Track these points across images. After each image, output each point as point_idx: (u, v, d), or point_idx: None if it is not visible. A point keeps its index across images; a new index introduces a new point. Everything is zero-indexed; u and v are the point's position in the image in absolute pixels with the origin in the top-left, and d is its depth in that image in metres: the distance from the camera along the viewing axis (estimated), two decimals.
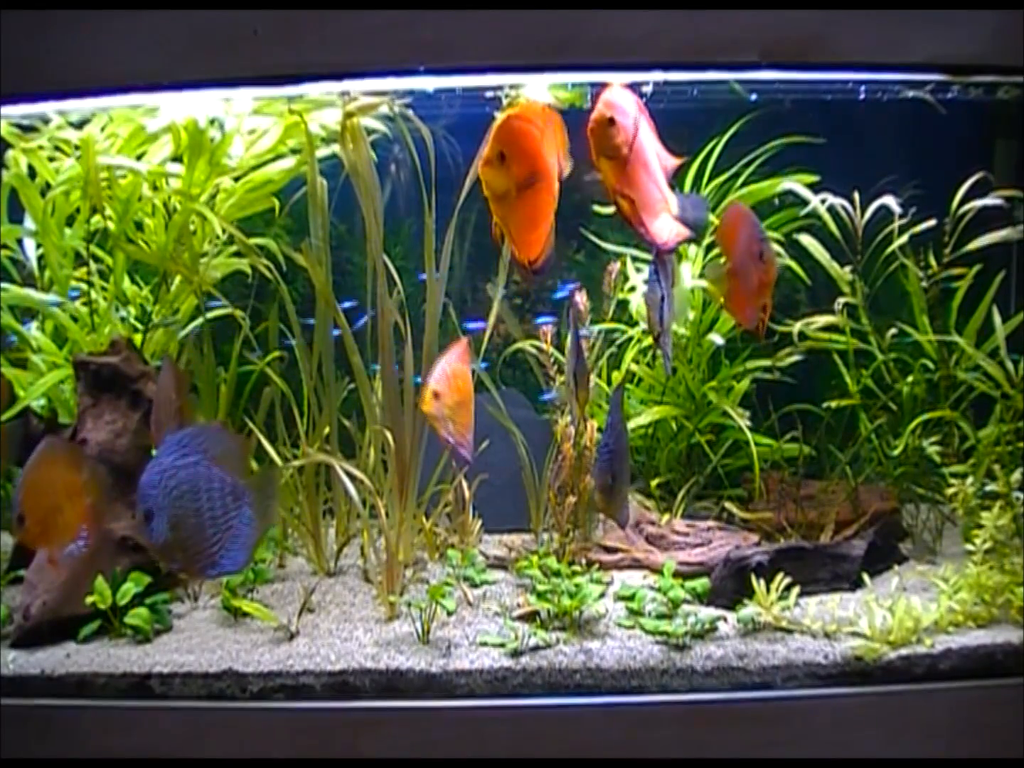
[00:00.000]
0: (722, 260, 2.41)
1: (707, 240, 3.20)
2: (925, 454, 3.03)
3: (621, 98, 2.15)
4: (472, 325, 3.16)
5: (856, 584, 2.59)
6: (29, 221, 3.15)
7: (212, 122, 2.95)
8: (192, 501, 1.97)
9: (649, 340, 3.16)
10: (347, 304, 3.04)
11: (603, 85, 2.17)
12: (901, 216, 3.06)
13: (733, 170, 3.24)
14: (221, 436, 2.07)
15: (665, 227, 2.24)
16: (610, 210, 3.33)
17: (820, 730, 2.18)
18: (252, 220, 3.31)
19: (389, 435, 2.85)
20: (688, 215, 2.26)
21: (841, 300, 3.12)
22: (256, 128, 3.08)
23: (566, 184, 2.20)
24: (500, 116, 2.13)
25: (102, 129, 2.97)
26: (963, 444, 3.05)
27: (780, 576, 2.41)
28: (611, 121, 2.11)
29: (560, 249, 2.24)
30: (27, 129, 2.97)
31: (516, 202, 2.10)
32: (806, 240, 3.19)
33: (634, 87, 2.21)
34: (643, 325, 2.94)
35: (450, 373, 2.31)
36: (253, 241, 3.14)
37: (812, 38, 2.14)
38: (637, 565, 2.90)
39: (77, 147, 2.96)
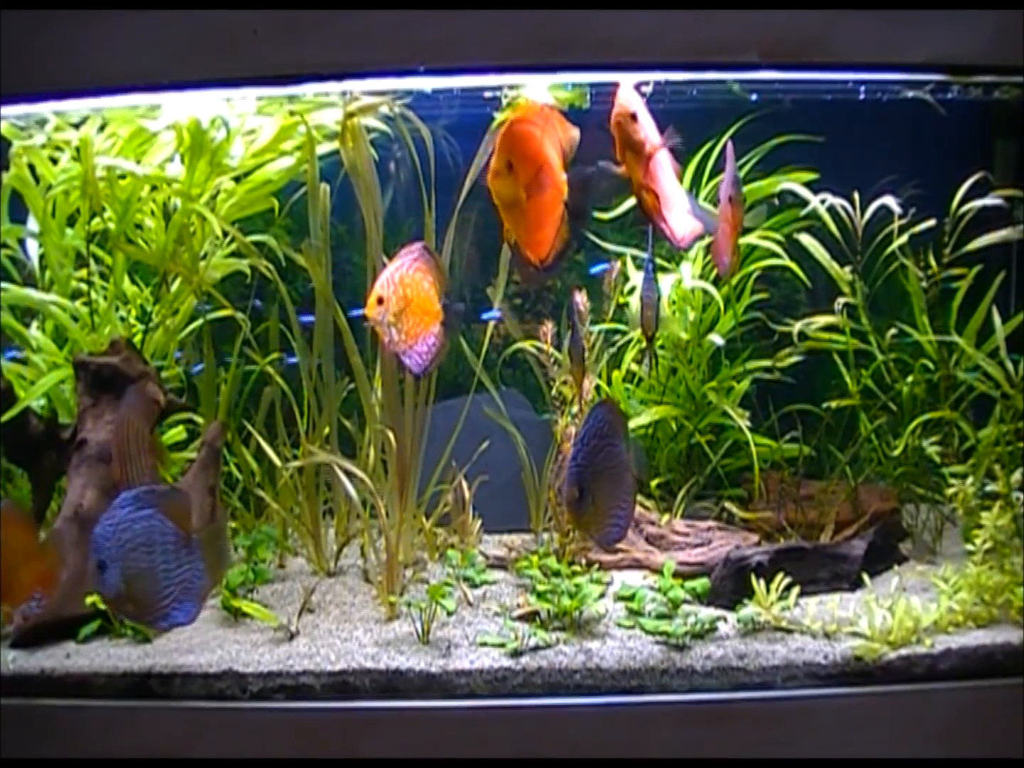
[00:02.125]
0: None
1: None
2: (925, 454, 3.03)
3: (636, 95, 2.16)
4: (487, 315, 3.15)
5: (856, 584, 2.59)
6: (33, 222, 3.16)
7: (213, 122, 2.95)
8: (146, 554, 2.00)
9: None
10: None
11: (615, 85, 2.18)
12: (901, 216, 3.06)
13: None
14: (172, 491, 2.12)
15: (682, 223, 2.26)
16: (610, 216, 3.33)
17: (820, 730, 2.18)
18: (252, 220, 3.31)
19: (391, 435, 2.85)
20: (699, 213, 2.27)
21: (841, 300, 3.11)
22: (255, 128, 3.08)
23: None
24: (502, 124, 2.13)
25: (101, 129, 2.97)
26: (963, 444, 3.05)
27: (780, 576, 2.41)
28: (634, 116, 2.12)
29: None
30: (23, 130, 2.97)
31: (525, 206, 2.10)
32: (806, 240, 3.19)
33: (635, 87, 2.22)
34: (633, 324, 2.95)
35: (397, 280, 2.24)
36: (253, 239, 3.14)
37: (812, 38, 2.14)
38: (637, 565, 2.90)
39: (77, 149, 2.96)
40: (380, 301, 2.23)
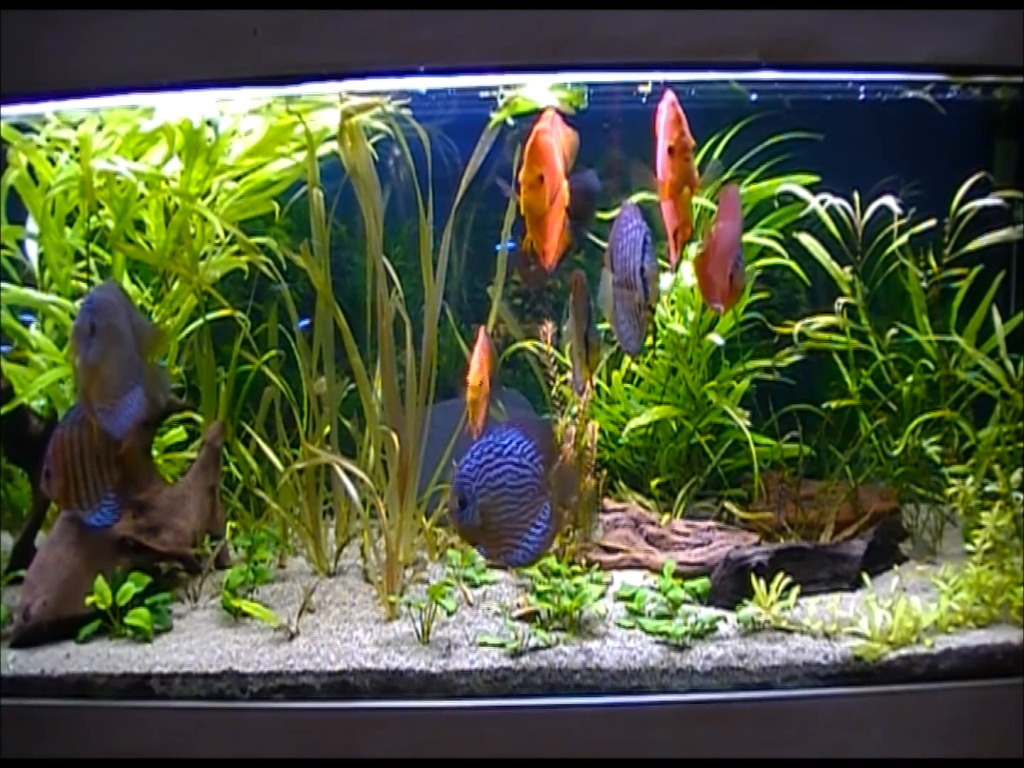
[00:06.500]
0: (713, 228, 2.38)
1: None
2: (925, 454, 3.03)
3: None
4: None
5: (856, 584, 2.59)
6: (32, 223, 3.15)
7: (209, 123, 2.95)
8: (109, 348, 2.32)
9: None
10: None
11: (665, 85, 2.18)
12: (901, 216, 3.06)
13: (731, 170, 3.23)
14: (145, 324, 2.48)
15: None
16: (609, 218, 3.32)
17: (820, 730, 2.17)
18: (252, 220, 3.31)
19: (395, 436, 2.85)
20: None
21: (841, 300, 3.11)
22: (253, 129, 3.08)
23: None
24: (528, 135, 2.15)
25: (99, 128, 2.96)
26: (963, 444, 3.05)
27: (780, 576, 2.41)
28: (693, 149, 2.13)
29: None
30: (23, 129, 2.96)
31: (548, 216, 2.14)
32: (806, 240, 3.19)
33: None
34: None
35: (483, 363, 2.58)
36: (254, 240, 3.14)
37: (812, 38, 2.14)
38: (637, 565, 2.90)
39: (76, 148, 2.96)
40: (481, 383, 2.57)
